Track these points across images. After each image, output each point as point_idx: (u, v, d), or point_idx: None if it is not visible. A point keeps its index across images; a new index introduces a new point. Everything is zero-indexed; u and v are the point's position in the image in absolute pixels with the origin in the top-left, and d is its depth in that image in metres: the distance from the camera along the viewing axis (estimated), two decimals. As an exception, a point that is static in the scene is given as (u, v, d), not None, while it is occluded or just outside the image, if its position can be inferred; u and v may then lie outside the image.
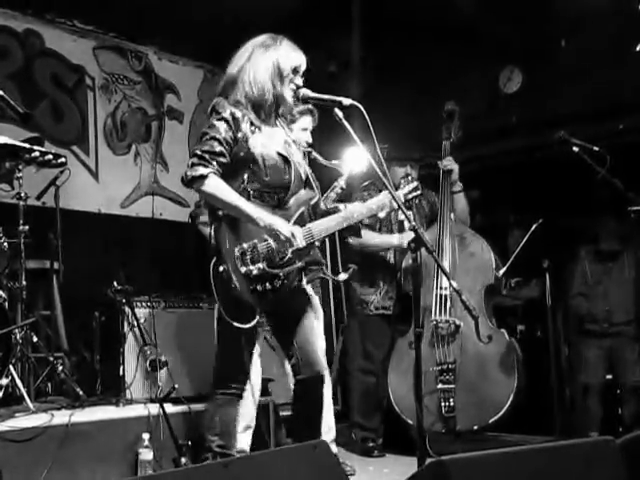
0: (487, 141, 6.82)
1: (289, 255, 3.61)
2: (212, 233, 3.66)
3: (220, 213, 3.63)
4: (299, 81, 3.71)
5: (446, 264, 5.06)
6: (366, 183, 5.42)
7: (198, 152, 3.59)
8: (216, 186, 3.56)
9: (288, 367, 4.26)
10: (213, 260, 3.56)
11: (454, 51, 6.69)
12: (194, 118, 7.50)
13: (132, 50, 7.10)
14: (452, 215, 5.30)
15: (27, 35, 6.38)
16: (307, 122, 4.61)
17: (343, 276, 4.58)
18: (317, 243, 3.77)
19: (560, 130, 4.83)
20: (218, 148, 3.58)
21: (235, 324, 3.57)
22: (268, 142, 3.68)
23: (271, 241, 3.60)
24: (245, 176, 3.65)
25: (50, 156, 4.83)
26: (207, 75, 7.63)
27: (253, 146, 3.63)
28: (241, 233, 3.60)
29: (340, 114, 3.52)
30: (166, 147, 7.30)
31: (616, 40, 5.78)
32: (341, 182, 4.31)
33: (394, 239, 5.35)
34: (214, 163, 3.57)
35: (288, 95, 3.70)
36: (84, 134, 6.71)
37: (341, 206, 3.91)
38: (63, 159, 4.95)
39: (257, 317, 3.59)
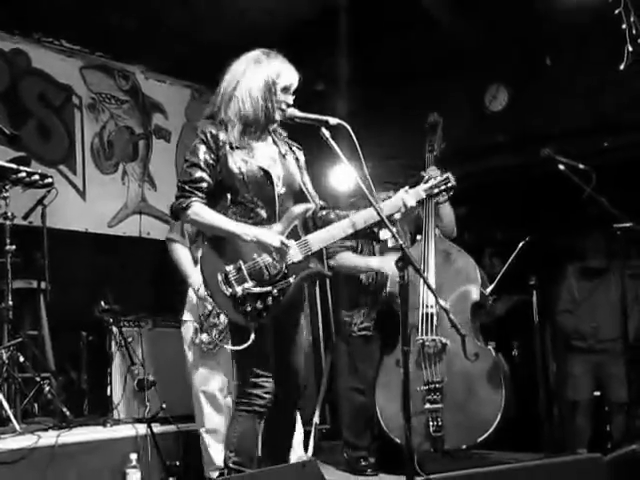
0: (474, 158, 6.84)
1: (282, 270, 3.59)
2: (198, 258, 3.71)
3: (204, 238, 3.68)
4: (289, 99, 3.71)
5: (431, 281, 5.03)
6: (353, 200, 5.41)
7: (179, 184, 3.64)
8: (198, 213, 3.58)
9: None
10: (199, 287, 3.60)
11: (440, 69, 6.73)
12: (181, 137, 7.51)
13: (119, 69, 7.11)
14: (437, 230, 5.27)
15: (14, 55, 6.38)
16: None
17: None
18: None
19: (545, 148, 4.85)
20: (197, 174, 3.61)
21: (226, 347, 3.58)
22: (250, 158, 3.67)
23: (260, 258, 3.59)
24: (228, 195, 3.65)
25: (37, 176, 4.83)
26: (194, 94, 7.65)
27: (232, 163, 3.63)
28: (227, 255, 3.59)
29: (327, 134, 3.52)
30: (153, 166, 7.30)
31: (601, 58, 5.83)
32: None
33: (373, 262, 5.31)
34: (195, 192, 3.60)
35: (277, 114, 3.70)
36: (71, 153, 6.70)
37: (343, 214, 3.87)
38: (50, 179, 4.96)
39: (252, 337, 3.54)
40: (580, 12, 5.73)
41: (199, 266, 3.70)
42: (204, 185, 3.62)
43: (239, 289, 3.54)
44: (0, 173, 4.69)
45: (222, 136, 3.65)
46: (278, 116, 3.72)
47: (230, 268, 3.57)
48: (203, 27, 6.49)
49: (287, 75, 3.71)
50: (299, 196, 3.82)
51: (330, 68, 6.88)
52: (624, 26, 4.60)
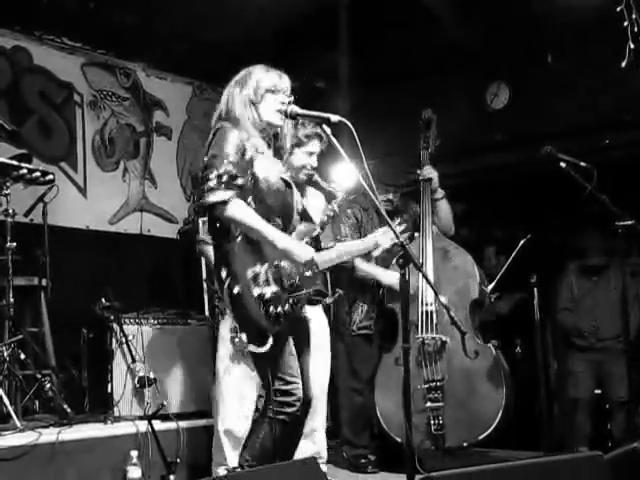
0: (474, 156, 6.84)
1: (297, 281, 3.60)
2: (223, 255, 3.58)
3: (234, 235, 3.55)
4: (283, 98, 3.69)
5: (429, 276, 5.01)
6: (351, 197, 5.39)
7: (212, 176, 3.47)
8: (240, 210, 3.48)
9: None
10: (227, 282, 3.49)
11: (441, 67, 6.73)
12: (182, 134, 7.50)
13: (120, 67, 7.10)
14: (434, 228, 5.25)
15: (15, 52, 6.37)
16: (315, 146, 4.55)
17: (329, 300, 4.61)
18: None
19: (547, 145, 4.85)
20: (233, 172, 3.48)
21: (250, 348, 3.54)
22: (271, 166, 3.66)
23: (282, 264, 3.58)
24: (249, 200, 3.57)
25: (38, 173, 4.83)
26: (195, 91, 7.64)
27: (257, 169, 3.58)
28: (255, 255, 3.55)
29: (328, 131, 3.53)
30: (154, 163, 7.29)
31: (603, 56, 5.82)
32: (334, 205, 4.27)
33: (380, 275, 5.27)
34: (233, 187, 3.48)
35: (274, 117, 3.69)
36: (72, 151, 6.70)
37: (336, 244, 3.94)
38: (51, 176, 4.96)
39: (270, 341, 3.51)
40: (581, 10, 5.73)
41: (228, 260, 3.57)
42: (240, 182, 3.51)
43: (267, 290, 3.51)
44: (1, 170, 4.68)
45: (246, 140, 3.60)
46: (278, 119, 3.71)
47: (259, 268, 3.53)
48: (204, 24, 6.48)
49: (267, 77, 3.71)
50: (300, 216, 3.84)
51: (330, 65, 6.87)
52: (626, 24, 4.60)
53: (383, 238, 3.86)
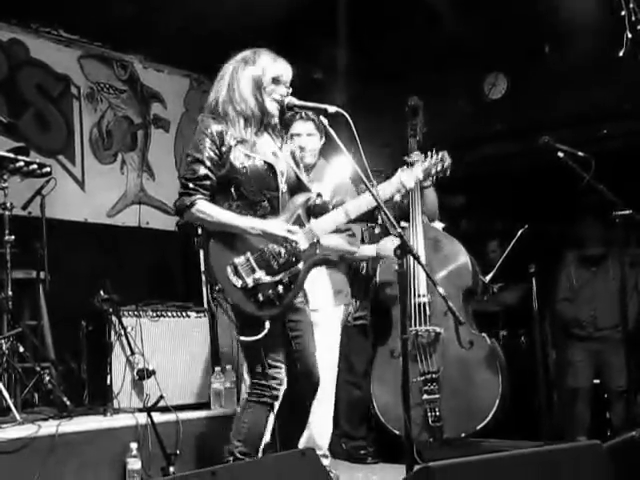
0: (472, 147, 6.83)
1: (291, 257, 3.62)
2: (204, 255, 3.74)
3: (208, 232, 3.68)
4: (282, 90, 3.72)
5: (420, 269, 4.96)
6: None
7: (183, 181, 3.67)
8: (203, 210, 3.61)
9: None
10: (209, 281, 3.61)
11: (438, 58, 6.71)
12: (180, 126, 7.49)
13: (117, 59, 7.09)
14: (424, 217, 5.19)
15: (11, 45, 6.35)
16: (299, 127, 4.64)
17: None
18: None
19: (545, 135, 4.84)
20: (202, 171, 3.63)
21: (242, 338, 3.63)
22: (253, 153, 3.70)
23: (267, 248, 3.63)
24: (232, 189, 3.68)
25: (35, 166, 4.84)
26: (193, 83, 7.63)
27: (235, 158, 3.66)
28: (234, 248, 3.63)
29: (325, 121, 3.54)
30: (152, 156, 7.28)
31: (600, 45, 5.81)
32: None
33: (369, 250, 5.21)
34: (199, 189, 3.63)
35: (271, 107, 3.73)
36: (70, 143, 6.69)
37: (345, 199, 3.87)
38: (48, 169, 4.96)
39: (266, 327, 3.56)
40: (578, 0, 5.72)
41: (207, 260, 3.70)
42: (208, 183, 3.65)
43: (249, 279, 3.58)
44: (-2, 163, 4.69)
45: (225, 131, 3.68)
46: (274, 110, 3.74)
47: (239, 259, 3.61)
48: (202, 16, 6.46)
49: (274, 67, 3.74)
50: (296, 187, 3.85)
51: (328, 57, 6.87)
52: (623, 13, 4.59)
53: (407, 178, 3.74)
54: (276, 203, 3.72)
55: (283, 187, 3.75)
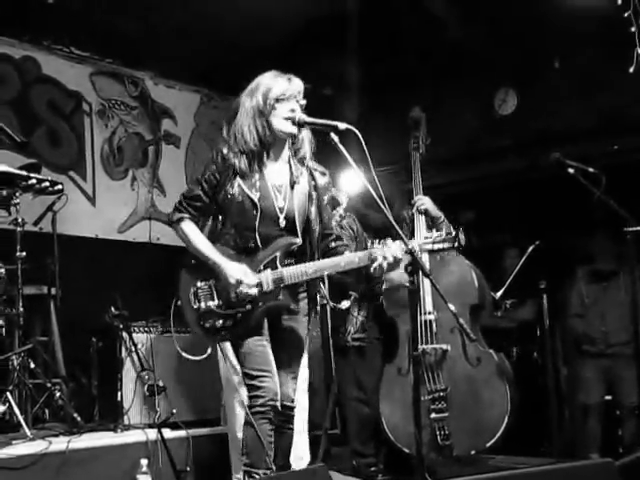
0: (483, 162, 6.83)
1: (250, 296, 3.66)
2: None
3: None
4: (292, 105, 3.70)
5: (426, 286, 4.93)
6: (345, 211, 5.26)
7: (179, 196, 3.86)
8: (185, 231, 3.80)
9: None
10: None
11: (448, 73, 6.73)
12: (191, 142, 7.52)
13: (128, 76, 7.14)
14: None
15: (24, 61, 6.41)
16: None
17: (345, 303, 4.53)
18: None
19: (555, 151, 4.83)
20: (196, 191, 3.80)
21: (184, 354, 3.99)
22: (248, 187, 3.73)
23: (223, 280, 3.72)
24: (220, 218, 3.83)
25: (47, 183, 4.86)
26: (203, 99, 7.66)
27: (231, 188, 3.74)
28: (204, 273, 3.75)
29: (336, 138, 3.53)
30: (163, 172, 7.31)
31: (609, 61, 5.82)
32: (340, 210, 4.24)
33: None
34: (188, 208, 3.80)
35: (284, 126, 3.71)
36: (81, 160, 6.73)
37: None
38: (60, 186, 4.99)
39: (208, 351, 3.80)
40: (587, 14, 5.72)
41: (179, 276, 3.85)
42: (198, 204, 3.81)
43: (203, 305, 3.73)
44: (11, 180, 4.71)
45: (232, 159, 3.75)
46: (288, 126, 3.72)
47: (202, 284, 3.76)
48: (212, 33, 6.49)
49: (275, 86, 3.73)
50: (305, 224, 3.85)
51: (337, 72, 6.88)
52: (633, 29, 4.59)
53: (365, 259, 3.72)
54: (256, 240, 3.74)
55: (263, 223, 3.73)
